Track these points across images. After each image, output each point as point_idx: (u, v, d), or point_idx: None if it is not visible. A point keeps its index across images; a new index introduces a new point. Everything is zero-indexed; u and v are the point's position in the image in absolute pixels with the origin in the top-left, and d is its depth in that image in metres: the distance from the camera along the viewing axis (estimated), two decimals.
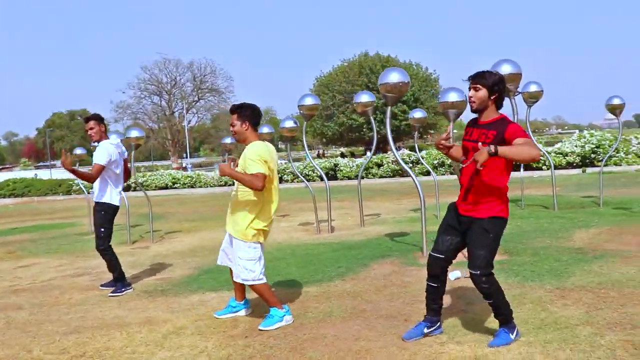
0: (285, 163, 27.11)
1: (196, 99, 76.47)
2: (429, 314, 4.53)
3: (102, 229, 6.78)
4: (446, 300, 5.49)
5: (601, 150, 21.18)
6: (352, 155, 58.53)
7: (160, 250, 9.88)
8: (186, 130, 72.68)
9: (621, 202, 11.60)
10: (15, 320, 5.91)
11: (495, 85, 4.12)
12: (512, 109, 7.16)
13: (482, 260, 4.12)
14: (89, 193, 14.82)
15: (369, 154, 48.71)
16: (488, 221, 4.13)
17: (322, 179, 11.88)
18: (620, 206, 11.03)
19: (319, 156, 62.57)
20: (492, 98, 4.16)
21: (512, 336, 4.26)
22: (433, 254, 4.43)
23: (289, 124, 11.04)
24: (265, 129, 11.54)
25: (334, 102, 65.39)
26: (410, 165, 24.70)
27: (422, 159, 23.61)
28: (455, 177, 22.42)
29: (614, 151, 18.84)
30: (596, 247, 7.44)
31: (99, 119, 6.96)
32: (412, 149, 40.35)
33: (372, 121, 10.96)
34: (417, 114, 11.99)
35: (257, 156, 4.91)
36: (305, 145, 11.32)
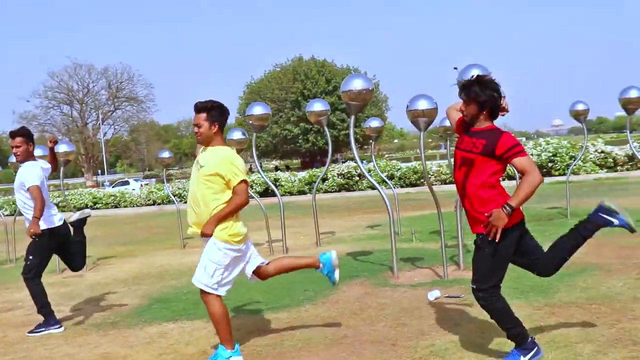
0: None
1: (112, 108, 75.04)
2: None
3: (31, 257, 6.52)
4: (436, 322, 5.67)
5: (558, 158, 22.04)
6: (287, 168, 58.78)
7: (97, 278, 9.70)
8: (102, 144, 71.21)
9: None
10: None
11: (485, 102, 4.26)
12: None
13: (478, 275, 4.32)
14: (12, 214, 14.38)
15: (319, 166, 48.85)
16: (482, 236, 4.25)
17: (273, 194, 11.95)
18: None
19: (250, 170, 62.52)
20: (483, 113, 4.31)
21: (525, 359, 4.31)
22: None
23: (237, 135, 11.05)
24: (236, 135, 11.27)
25: None
26: (357, 179, 24.99)
27: (370, 171, 24.02)
28: (406, 190, 22.92)
29: (580, 159, 19.54)
30: (575, 261, 7.73)
31: (28, 136, 6.62)
32: (350, 160, 41.12)
33: (326, 130, 11.12)
34: (374, 122, 12.22)
35: (236, 163, 4.85)
36: (256, 159, 11.36)
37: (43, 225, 6.39)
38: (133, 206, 26.52)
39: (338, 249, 10.37)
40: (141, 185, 38.10)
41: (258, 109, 10.44)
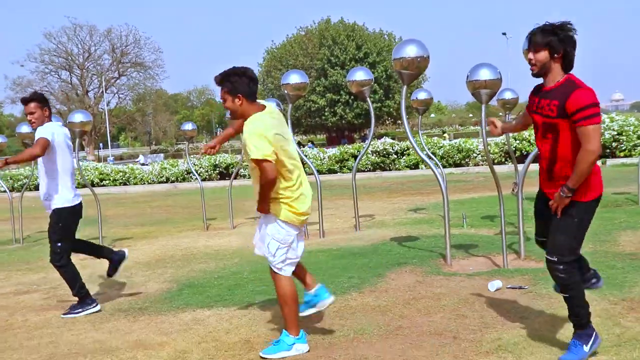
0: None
1: (116, 75, 75.40)
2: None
3: (59, 244, 6.67)
4: (500, 314, 5.78)
5: (624, 138, 21.82)
6: (312, 144, 58.88)
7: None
8: (105, 114, 71.76)
9: None
10: None
11: (560, 43, 4.23)
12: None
13: (561, 247, 4.37)
14: (12, 191, 14.67)
15: (345, 142, 48.98)
16: (571, 205, 4.31)
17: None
18: None
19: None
20: (555, 57, 4.28)
21: (587, 348, 4.44)
22: (536, 237, 4.88)
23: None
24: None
25: None
26: (394, 157, 25.04)
27: (408, 149, 24.02)
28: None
29: None
30: None
31: (42, 100, 6.75)
32: (384, 136, 40.99)
33: (370, 103, 11.22)
34: (422, 94, 12.25)
35: (256, 136, 4.70)
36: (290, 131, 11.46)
37: (65, 203, 6.68)
38: (144, 183, 26.84)
39: (379, 233, 10.62)
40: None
41: (295, 77, 10.56)
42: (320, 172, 25.26)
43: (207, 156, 26.77)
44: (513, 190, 10.50)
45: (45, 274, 9.19)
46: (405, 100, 8.10)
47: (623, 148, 21.82)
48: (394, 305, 6.29)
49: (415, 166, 24.23)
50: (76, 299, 6.80)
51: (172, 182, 26.43)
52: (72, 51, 73.21)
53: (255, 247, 5.45)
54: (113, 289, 7.97)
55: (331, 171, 25.54)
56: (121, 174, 27.10)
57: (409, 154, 24.56)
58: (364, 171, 24.98)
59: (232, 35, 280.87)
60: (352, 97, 57.19)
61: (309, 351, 5.10)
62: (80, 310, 6.68)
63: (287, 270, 5.08)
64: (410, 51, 7.78)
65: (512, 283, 6.78)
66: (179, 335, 5.83)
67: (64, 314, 6.66)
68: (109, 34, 73.80)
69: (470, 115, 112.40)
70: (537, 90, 4.54)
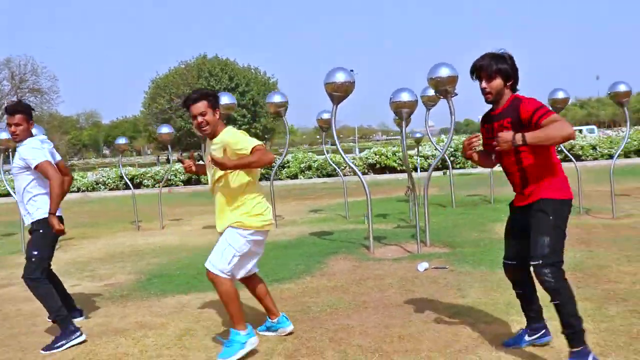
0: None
1: (15, 99, 70.82)
2: (528, 321, 4.18)
3: (35, 251, 5.07)
4: (440, 288, 5.93)
5: (459, 153, 23.06)
6: (168, 161, 57.80)
7: (72, 256, 9.33)
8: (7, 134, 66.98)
9: (511, 199, 12.83)
10: None
11: (511, 71, 3.83)
12: (449, 111, 7.80)
13: (543, 248, 3.65)
14: None
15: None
16: (545, 202, 3.74)
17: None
18: None
19: (168, 161, 61.12)
20: (508, 85, 3.85)
21: None
22: (505, 261, 4.13)
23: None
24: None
25: (171, 106, 64.15)
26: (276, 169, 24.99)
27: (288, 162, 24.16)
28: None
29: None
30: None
31: (29, 113, 5.26)
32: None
33: (286, 122, 11.22)
34: (325, 114, 12.35)
35: (242, 134, 4.36)
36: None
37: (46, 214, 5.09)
38: None
39: (297, 229, 10.61)
40: None
41: (225, 99, 10.37)
42: None
43: (117, 169, 25.76)
44: (406, 192, 10.86)
45: (10, 270, 8.52)
46: (334, 119, 8.17)
47: (458, 162, 23.09)
48: (349, 285, 6.31)
49: (295, 176, 24.35)
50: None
51: (83, 191, 25.15)
52: None
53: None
54: (85, 280, 7.51)
55: None
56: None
57: (289, 166, 24.65)
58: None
59: (119, 65, 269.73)
60: (225, 120, 56.60)
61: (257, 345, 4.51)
62: (63, 342, 4.86)
63: (235, 276, 4.47)
64: (339, 77, 7.87)
65: (435, 264, 6.99)
66: (175, 316, 5.58)
67: (44, 349, 4.84)
68: (8, 63, 69.37)
69: (318, 137, 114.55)
70: (487, 118, 4.04)
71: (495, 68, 3.80)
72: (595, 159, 22.99)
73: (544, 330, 4.15)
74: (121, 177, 25.21)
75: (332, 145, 31.45)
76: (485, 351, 4.17)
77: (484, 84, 3.86)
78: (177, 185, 24.64)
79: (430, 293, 5.78)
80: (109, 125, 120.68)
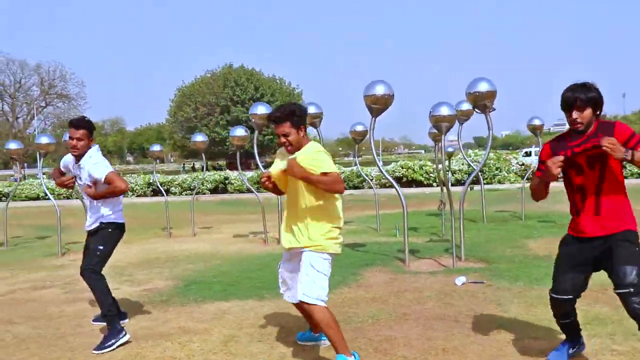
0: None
1: (43, 104, 71.99)
2: (571, 339, 4.30)
3: (101, 246, 5.39)
4: (479, 302, 5.93)
5: (487, 169, 23.00)
6: (214, 169, 58.14)
7: (110, 261, 9.42)
8: (37, 138, 68.03)
9: (541, 216, 12.78)
10: (23, 334, 5.52)
11: (600, 99, 3.86)
12: (487, 125, 7.81)
13: (632, 276, 3.64)
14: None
15: (243, 168, 48.44)
16: (631, 233, 3.79)
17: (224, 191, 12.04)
18: (544, 219, 12.23)
19: (193, 169, 61.69)
20: (597, 113, 3.88)
21: None
22: (557, 296, 4.05)
23: (240, 132, 11.10)
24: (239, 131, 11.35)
25: (196, 114, 64.71)
26: None
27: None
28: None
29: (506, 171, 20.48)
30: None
31: (91, 130, 5.43)
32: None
33: (319, 133, 11.29)
34: (359, 127, 12.39)
35: (324, 154, 4.27)
36: (257, 156, 11.30)
37: (117, 219, 5.49)
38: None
39: None
40: None
41: (261, 109, 10.47)
42: (240, 192, 25.08)
43: (144, 175, 26.09)
44: (439, 207, 10.86)
45: (48, 272, 8.67)
46: (372, 131, 8.22)
47: (485, 177, 22.95)
48: (388, 297, 6.34)
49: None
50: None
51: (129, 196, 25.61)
52: (4, 82, 69.32)
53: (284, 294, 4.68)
54: (124, 284, 7.60)
55: (250, 190, 25.20)
56: (64, 190, 25.81)
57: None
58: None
59: (146, 74, 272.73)
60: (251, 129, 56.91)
61: None
62: (113, 341, 5.00)
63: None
64: (379, 90, 7.91)
65: (470, 279, 6.98)
66: (216, 322, 5.64)
67: (96, 349, 4.94)
68: (38, 69, 70.58)
69: (340, 149, 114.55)
70: (563, 145, 3.96)
71: (586, 98, 3.82)
72: (625, 177, 22.78)
73: (581, 340, 4.32)
74: (149, 184, 25.49)
75: (357, 157, 31.42)
76: None
77: (575, 115, 3.85)
78: (204, 194, 24.83)
79: (470, 307, 5.78)
80: (133, 132, 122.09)
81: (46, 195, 12.71)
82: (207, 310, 6.10)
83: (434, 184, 22.63)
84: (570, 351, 4.26)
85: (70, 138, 5.32)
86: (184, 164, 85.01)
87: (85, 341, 5.20)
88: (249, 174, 26.90)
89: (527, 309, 5.60)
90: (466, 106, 10.15)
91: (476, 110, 7.98)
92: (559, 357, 4.24)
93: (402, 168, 23.96)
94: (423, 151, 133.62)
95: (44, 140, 11.42)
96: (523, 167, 24.13)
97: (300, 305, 4.43)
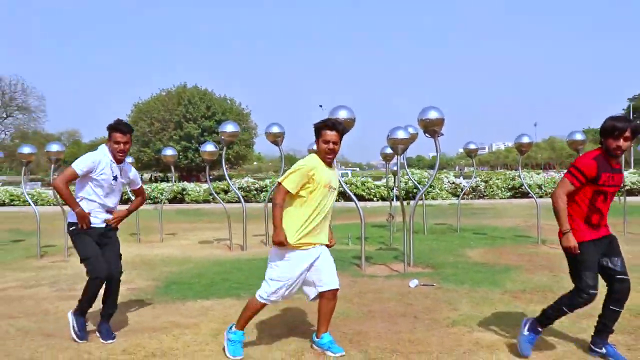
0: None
1: (4, 115, 69.69)
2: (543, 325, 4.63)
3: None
4: (433, 302, 6.29)
5: (421, 185, 23.67)
6: (165, 180, 57.46)
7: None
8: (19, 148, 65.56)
9: (475, 229, 13.39)
10: (25, 327, 5.55)
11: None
12: (435, 149, 8.28)
13: (624, 265, 4.34)
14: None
15: (194, 180, 47.86)
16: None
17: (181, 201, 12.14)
18: (477, 232, 12.81)
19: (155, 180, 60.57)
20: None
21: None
22: (595, 291, 4.23)
23: (210, 147, 11.24)
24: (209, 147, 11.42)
25: (151, 129, 63.82)
26: (255, 192, 25.26)
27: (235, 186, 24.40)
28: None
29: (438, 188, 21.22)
30: (494, 262, 8.78)
31: (132, 132, 5.41)
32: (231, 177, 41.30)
33: (281, 151, 11.55)
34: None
35: (296, 167, 4.53)
36: (225, 170, 11.46)
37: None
38: (49, 205, 25.00)
39: None
40: None
41: (230, 127, 10.66)
42: (196, 202, 24.96)
43: None
44: (387, 219, 11.25)
45: (33, 272, 8.59)
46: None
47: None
48: (352, 297, 6.63)
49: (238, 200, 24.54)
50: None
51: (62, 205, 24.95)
52: None
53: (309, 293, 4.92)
54: None
55: (206, 200, 25.19)
56: (30, 196, 24.96)
57: (267, 190, 24.89)
58: (232, 202, 24.86)
59: (103, 89, 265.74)
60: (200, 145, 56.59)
61: None
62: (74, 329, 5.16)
63: None
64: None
65: (422, 282, 7.35)
66: (203, 318, 5.80)
67: (105, 339, 5.09)
68: None
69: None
70: (607, 167, 4.24)
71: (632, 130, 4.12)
72: (541, 196, 23.86)
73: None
74: None
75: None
76: (486, 353, 4.56)
77: (621, 143, 4.12)
78: (164, 204, 24.57)
79: (426, 306, 6.14)
80: (89, 144, 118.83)
81: (27, 201, 12.42)
82: (191, 308, 6.25)
83: (374, 198, 23.18)
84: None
85: (117, 142, 5.24)
86: (141, 175, 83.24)
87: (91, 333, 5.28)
88: (205, 185, 26.86)
89: (474, 308, 5.99)
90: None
91: (426, 134, 8.42)
92: (531, 341, 4.51)
93: (346, 184, 24.42)
94: (358, 169, 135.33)
95: (26, 150, 11.31)
96: (454, 185, 24.98)
97: (325, 296, 4.80)
